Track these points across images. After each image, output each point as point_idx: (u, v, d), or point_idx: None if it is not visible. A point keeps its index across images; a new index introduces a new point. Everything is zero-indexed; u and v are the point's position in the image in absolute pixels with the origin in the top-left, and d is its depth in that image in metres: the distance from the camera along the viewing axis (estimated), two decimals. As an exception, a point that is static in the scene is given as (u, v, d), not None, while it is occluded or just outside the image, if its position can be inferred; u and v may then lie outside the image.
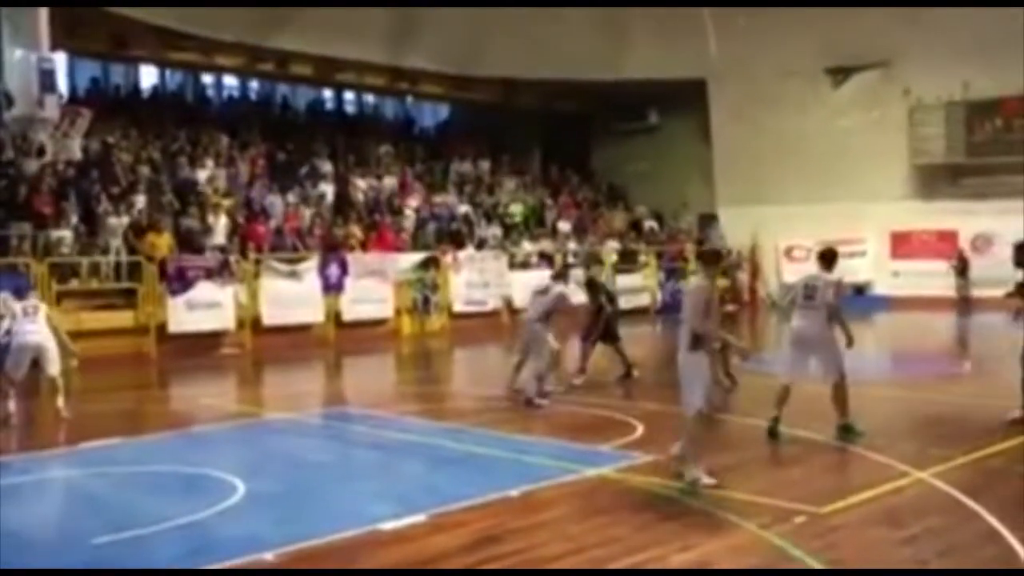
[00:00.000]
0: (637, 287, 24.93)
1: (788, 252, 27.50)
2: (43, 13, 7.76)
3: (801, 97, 26.55)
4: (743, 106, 27.26)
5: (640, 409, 10.38)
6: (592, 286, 13.31)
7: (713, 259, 7.60)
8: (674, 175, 29.28)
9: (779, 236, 27.34)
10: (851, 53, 25.65)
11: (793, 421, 8.96)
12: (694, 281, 7.07)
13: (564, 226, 26.69)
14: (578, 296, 13.49)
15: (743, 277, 26.78)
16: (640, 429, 9.29)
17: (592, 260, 13.91)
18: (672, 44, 25.85)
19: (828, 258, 8.94)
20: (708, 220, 29.22)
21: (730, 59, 25.86)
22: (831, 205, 25.33)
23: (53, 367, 10.80)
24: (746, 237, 27.50)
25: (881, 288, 26.00)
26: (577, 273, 14.02)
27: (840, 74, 26.57)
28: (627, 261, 25.78)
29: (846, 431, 8.74)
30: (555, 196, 28.88)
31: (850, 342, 8.78)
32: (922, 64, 24.50)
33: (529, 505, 6.82)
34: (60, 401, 10.69)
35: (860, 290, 25.19)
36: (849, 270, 26.46)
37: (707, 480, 7.03)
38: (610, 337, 12.99)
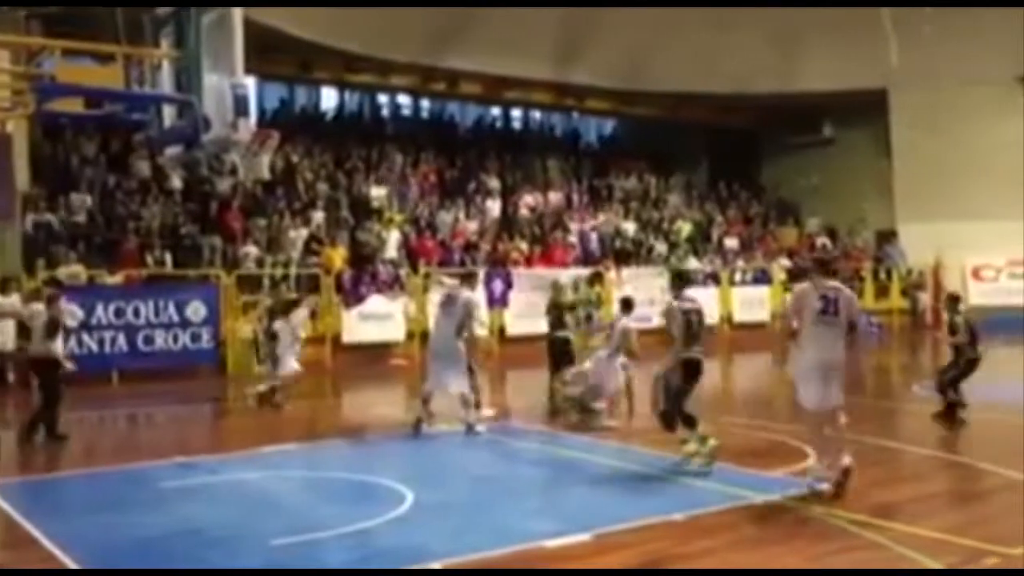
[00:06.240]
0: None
1: (976, 272, 25.78)
2: (239, 39, 8.24)
3: (992, 107, 24.98)
4: (927, 117, 25.87)
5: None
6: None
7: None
8: (850, 190, 28.09)
9: (966, 255, 25.68)
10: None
11: (982, 455, 8.39)
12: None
13: (731, 243, 26.07)
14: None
15: (926, 298, 25.34)
16: (812, 456, 8.90)
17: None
18: (849, 53, 24.83)
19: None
20: (887, 237, 27.84)
21: (913, 67, 24.55)
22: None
23: None
24: (929, 255, 26.00)
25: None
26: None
27: (1034, 83, 24.87)
28: (797, 279, 24.87)
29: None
30: (723, 212, 28.27)
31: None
32: None
33: (695, 530, 6.64)
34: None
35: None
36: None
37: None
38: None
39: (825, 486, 7.36)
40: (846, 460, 7.35)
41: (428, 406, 10.66)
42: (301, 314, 13.48)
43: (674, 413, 8.51)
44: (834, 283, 7.64)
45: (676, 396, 8.51)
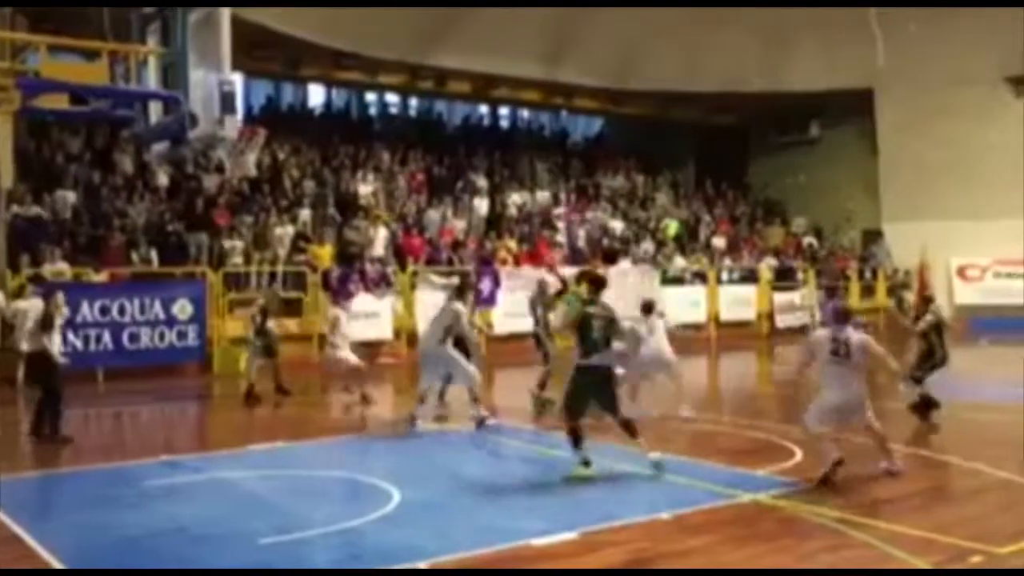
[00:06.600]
0: (794, 306, 24.16)
1: (961, 271, 25.93)
2: (226, 37, 8.21)
3: (979, 107, 25.11)
4: (913, 116, 26.03)
5: (797, 433, 9.98)
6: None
7: None
8: (836, 189, 28.24)
9: (951, 254, 25.85)
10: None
11: (967, 454, 8.44)
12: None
13: (718, 242, 26.14)
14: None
15: (911, 297, 25.43)
16: (799, 455, 8.94)
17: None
18: (837, 53, 24.97)
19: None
20: (873, 236, 27.99)
21: (899, 68, 24.71)
22: (1010, 222, 23.76)
23: None
24: (914, 255, 26.14)
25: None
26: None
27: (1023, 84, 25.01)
28: (784, 278, 25.00)
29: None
30: (710, 211, 28.34)
31: None
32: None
33: (682, 528, 6.65)
34: None
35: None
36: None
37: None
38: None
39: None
40: (899, 464, 8.04)
41: (440, 398, 11.21)
42: (337, 314, 13.79)
43: (574, 425, 8.12)
44: (848, 329, 7.95)
45: (567, 407, 8.19)
